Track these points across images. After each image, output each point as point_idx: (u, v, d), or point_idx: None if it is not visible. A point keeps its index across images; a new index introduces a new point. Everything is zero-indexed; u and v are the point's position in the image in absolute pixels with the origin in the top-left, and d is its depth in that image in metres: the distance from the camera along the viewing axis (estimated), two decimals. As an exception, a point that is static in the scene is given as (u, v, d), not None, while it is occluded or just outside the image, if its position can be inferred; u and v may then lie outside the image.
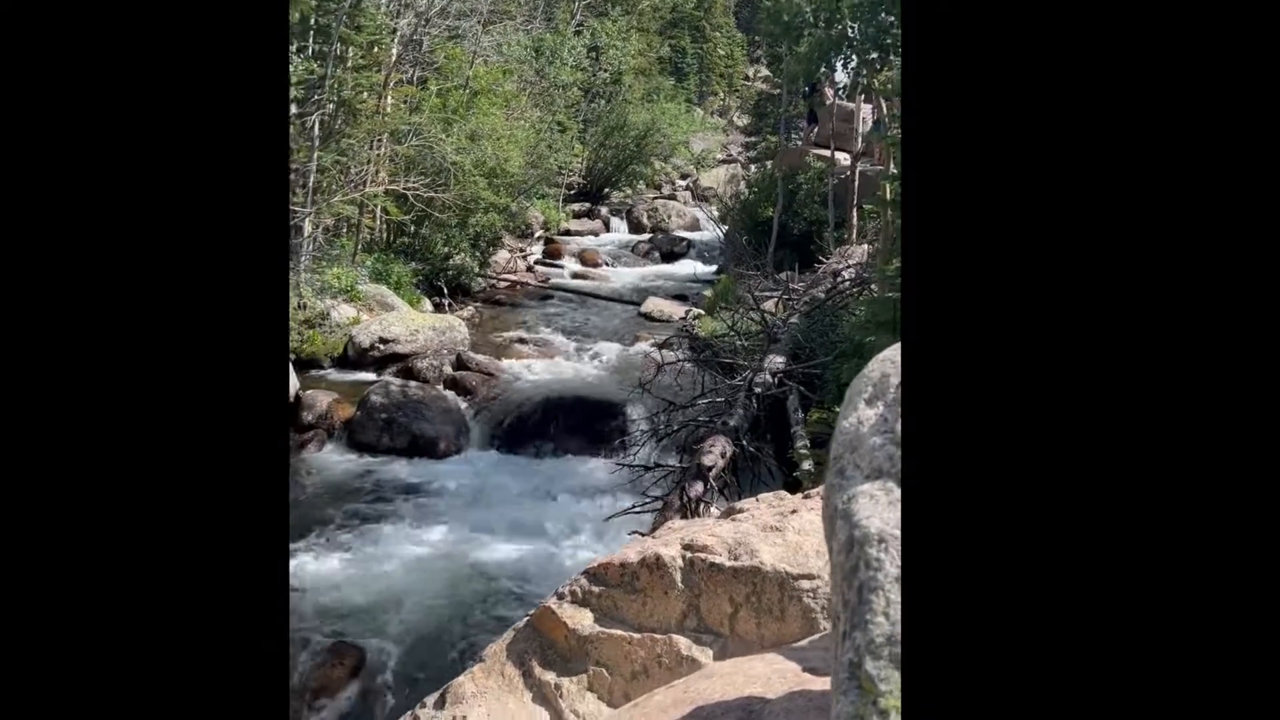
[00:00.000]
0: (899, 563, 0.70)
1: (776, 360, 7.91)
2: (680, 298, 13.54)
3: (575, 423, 8.17)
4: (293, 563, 5.73)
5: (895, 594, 0.69)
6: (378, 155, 11.51)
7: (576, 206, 20.21)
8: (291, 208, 9.64)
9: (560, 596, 2.95)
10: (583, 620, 2.85)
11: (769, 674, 1.37)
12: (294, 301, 9.40)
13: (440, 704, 2.92)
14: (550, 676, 2.84)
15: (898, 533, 0.73)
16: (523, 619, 3.10)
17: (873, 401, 0.85)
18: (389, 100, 11.84)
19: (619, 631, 2.75)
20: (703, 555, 2.66)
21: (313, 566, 5.74)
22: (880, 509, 0.76)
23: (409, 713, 3.06)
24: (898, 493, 0.77)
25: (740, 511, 3.11)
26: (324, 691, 4.51)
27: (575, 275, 15.56)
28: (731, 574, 2.58)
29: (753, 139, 26.49)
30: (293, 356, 9.01)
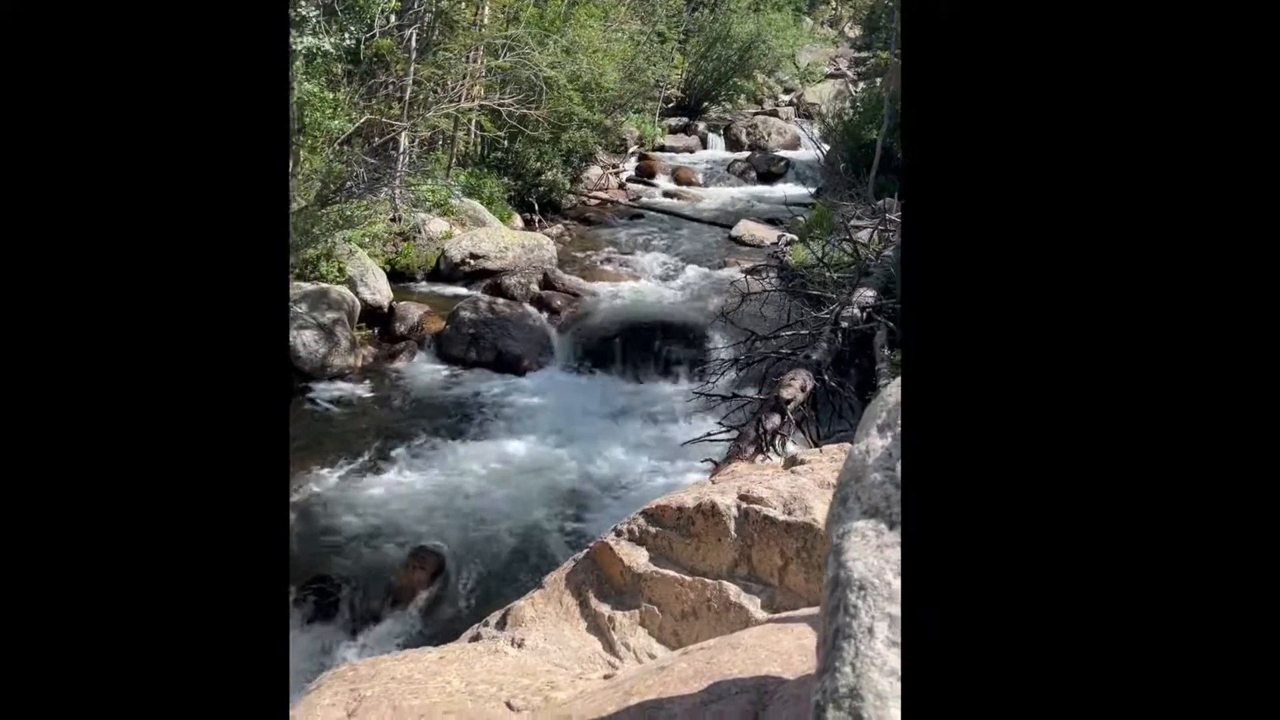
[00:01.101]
0: (874, 614, 0.70)
1: (867, 294, 7.70)
2: (774, 221, 13.22)
3: (656, 347, 8.22)
4: (381, 473, 6.07)
5: (865, 646, 0.68)
6: (473, 69, 11.49)
7: (673, 121, 19.76)
8: (388, 121, 9.79)
9: (618, 534, 3.04)
10: (638, 558, 2.94)
11: (792, 650, 1.40)
12: (389, 214, 9.65)
13: (501, 624, 3.09)
14: (605, 609, 2.96)
15: (879, 580, 0.72)
16: (582, 551, 3.22)
17: (884, 431, 0.83)
18: (486, 12, 11.73)
19: (672, 572, 2.83)
20: (757, 507, 2.68)
21: (399, 473, 6.06)
22: (868, 552, 0.75)
23: (474, 627, 3.26)
24: (889, 535, 0.76)
25: (802, 464, 3.10)
26: (405, 592, 4.83)
27: (667, 194, 15.36)
28: (784, 528, 2.60)
29: (863, 54, 25.13)
30: (387, 269, 9.31)
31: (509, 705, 2.11)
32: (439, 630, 4.36)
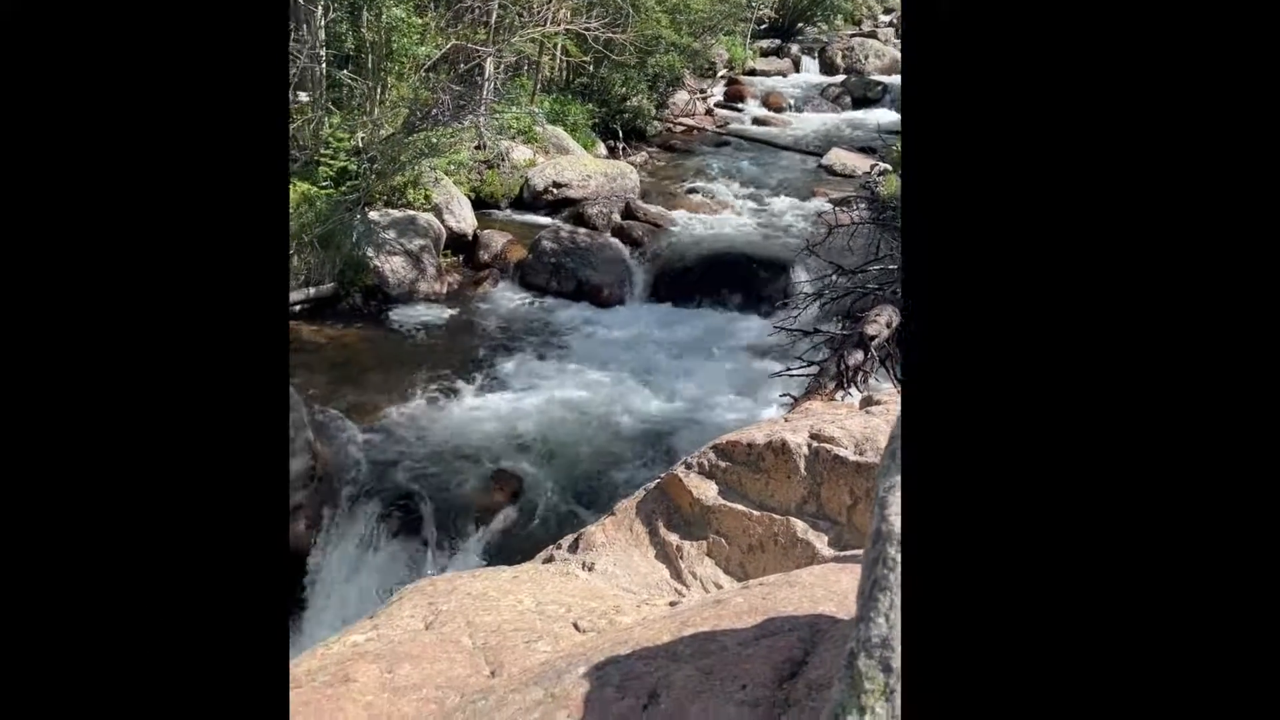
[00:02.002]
0: (915, 568, 0.68)
1: (958, 228, 7.37)
2: (867, 150, 12.71)
3: (738, 280, 8.12)
4: (464, 396, 6.26)
5: (900, 599, 0.67)
6: (559, -10, 11.28)
7: (765, 44, 19.04)
8: (473, 46, 9.75)
9: (688, 466, 3.07)
10: (707, 491, 2.97)
11: (849, 591, 1.39)
12: (474, 142, 9.69)
13: (573, 548, 3.19)
14: (673, 538, 3.01)
15: (924, 536, 0.70)
16: (653, 481, 3.26)
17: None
18: (573, -70, 11.44)
19: (740, 506, 2.85)
20: (828, 446, 2.66)
21: (481, 397, 6.24)
22: (911, 506, 0.73)
23: (547, 549, 3.37)
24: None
25: (877, 404, 3.04)
26: (484, 512, 5.02)
27: (756, 120, 14.91)
28: (854, 468, 2.56)
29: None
30: (471, 196, 9.41)
31: (576, 626, 2.19)
32: (514, 550, 4.53)
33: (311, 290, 7.54)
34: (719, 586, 2.72)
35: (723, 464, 2.96)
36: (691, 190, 10.83)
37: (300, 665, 2.08)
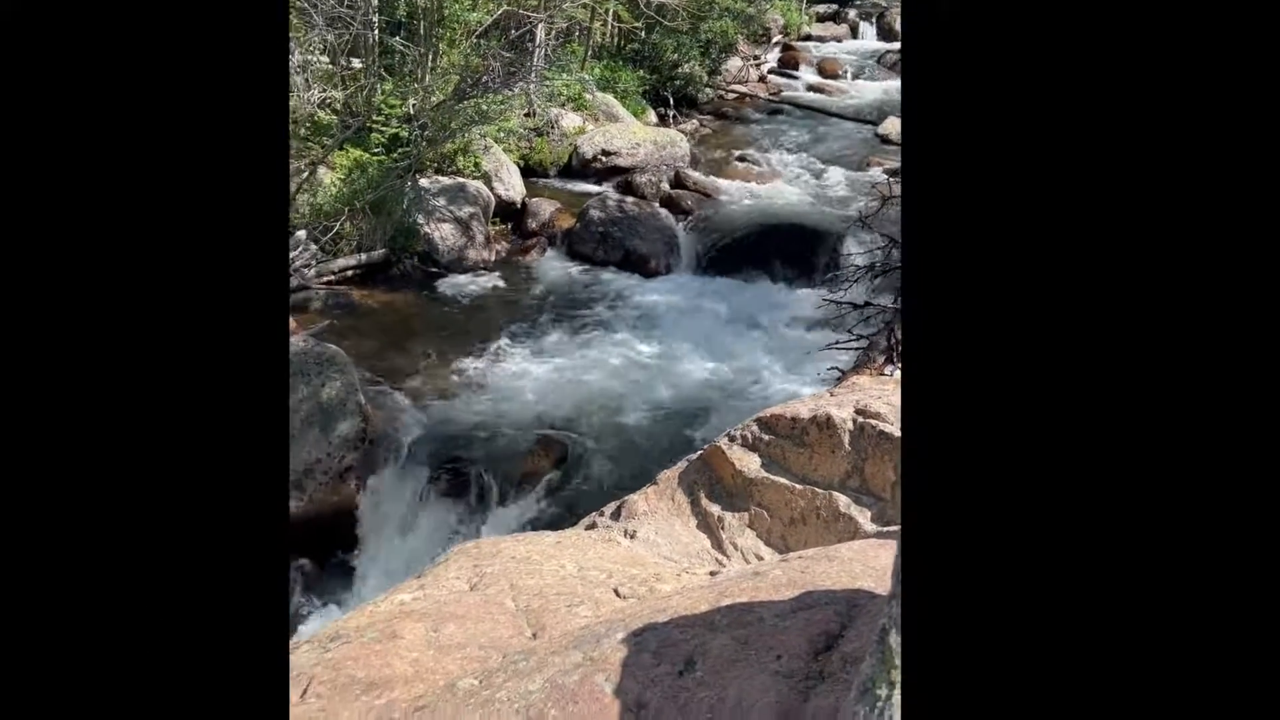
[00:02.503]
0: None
1: (1017, 201, 7.16)
2: (923, 119, 12.37)
3: (788, 251, 8.02)
4: (511, 364, 6.33)
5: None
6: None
7: (821, 9, 18.60)
8: (524, 12, 9.70)
9: (731, 438, 3.07)
10: (750, 464, 2.97)
11: (888, 566, 1.39)
12: (524, 109, 9.69)
13: (616, 515, 3.22)
14: (715, 509, 3.02)
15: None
16: (696, 452, 3.27)
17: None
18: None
19: (783, 480, 2.84)
20: (874, 422, 2.63)
21: (527, 364, 6.31)
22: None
23: (590, 516, 3.42)
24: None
25: (924, 378, 3.00)
26: (528, 478, 5.10)
27: (810, 88, 14.61)
28: (900, 444, 2.54)
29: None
30: (520, 164, 9.43)
31: (616, 592, 2.22)
32: (557, 516, 4.60)
33: (363, 256, 7.67)
34: (759, 558, 2.73)
35: (766, 437, 2.96)
36: (742, 159, 10.69)
37: (350, 621, 2.15)
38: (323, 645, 1.94)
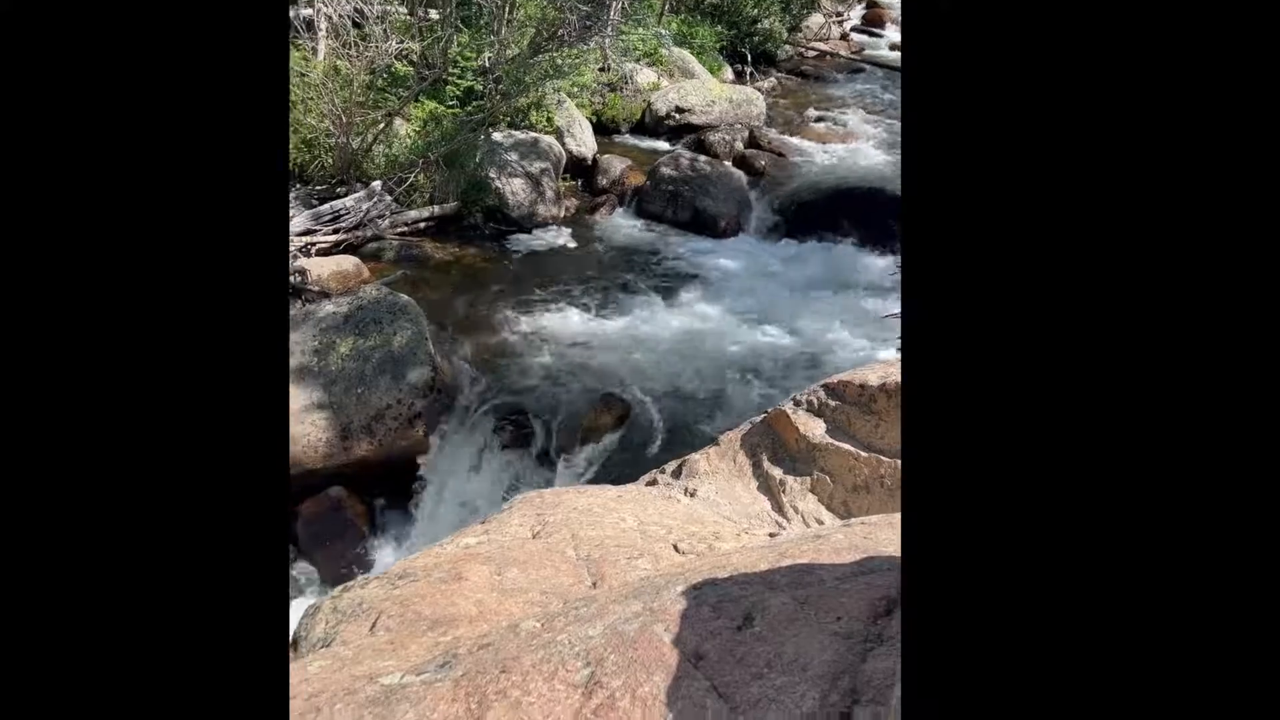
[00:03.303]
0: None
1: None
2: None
3: (863, 216, 7.83)
4: (577, 320, 6.38)
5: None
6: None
7: (908, -37, 17.83)
8: (604, -36, 9.56)
9: (797, 403, 3.04)
10: (815, 429, 2.94)
11: (957, 539, 1.37)
12: (598, 64, 9.61)
13: (677, 473, 3.24)
14: (777, 472, 3.01)
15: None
16: (760, 415, 3.26)
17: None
18: None
19: (847, 446, 2.81)
20: (944, 390, 2.57)
21: (593, 321, 6.34)
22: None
23: (651, 473, 3.45)
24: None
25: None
26: (591, 433, 5.16)
27: (894, 47, 14.11)
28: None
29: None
30: (593, 120, 9.37)
31: (675, 548, 2.24)
32: (618, 472, 4.65)
33: (435, 209, 7.77)
34: (820, 522, 2.72)
35: (832, 403, 2.92)
36: (820, 119, 10.43)
37: (417, 561, 2.22)
38: (391, 582, 2.02)
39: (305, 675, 1.46)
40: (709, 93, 9.96)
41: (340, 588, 2.13)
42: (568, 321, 6.34)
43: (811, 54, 13.22)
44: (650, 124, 9.72)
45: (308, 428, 4.87)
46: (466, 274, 7.09)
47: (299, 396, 4.94)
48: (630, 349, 6.00)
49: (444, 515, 4.93)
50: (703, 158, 8.65)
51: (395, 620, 1.73)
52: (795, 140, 9.52)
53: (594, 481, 4.62)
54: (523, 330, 6.20)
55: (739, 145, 9.25)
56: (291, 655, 1.93)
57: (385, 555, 4.75)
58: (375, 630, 1.71)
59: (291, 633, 2.03)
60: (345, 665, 1.47)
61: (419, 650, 1.51)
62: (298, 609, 4.45)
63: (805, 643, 1.19)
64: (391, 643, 1.59)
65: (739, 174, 8.56)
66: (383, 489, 5.00)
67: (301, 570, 4.69)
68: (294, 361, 5.11)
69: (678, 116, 9.66)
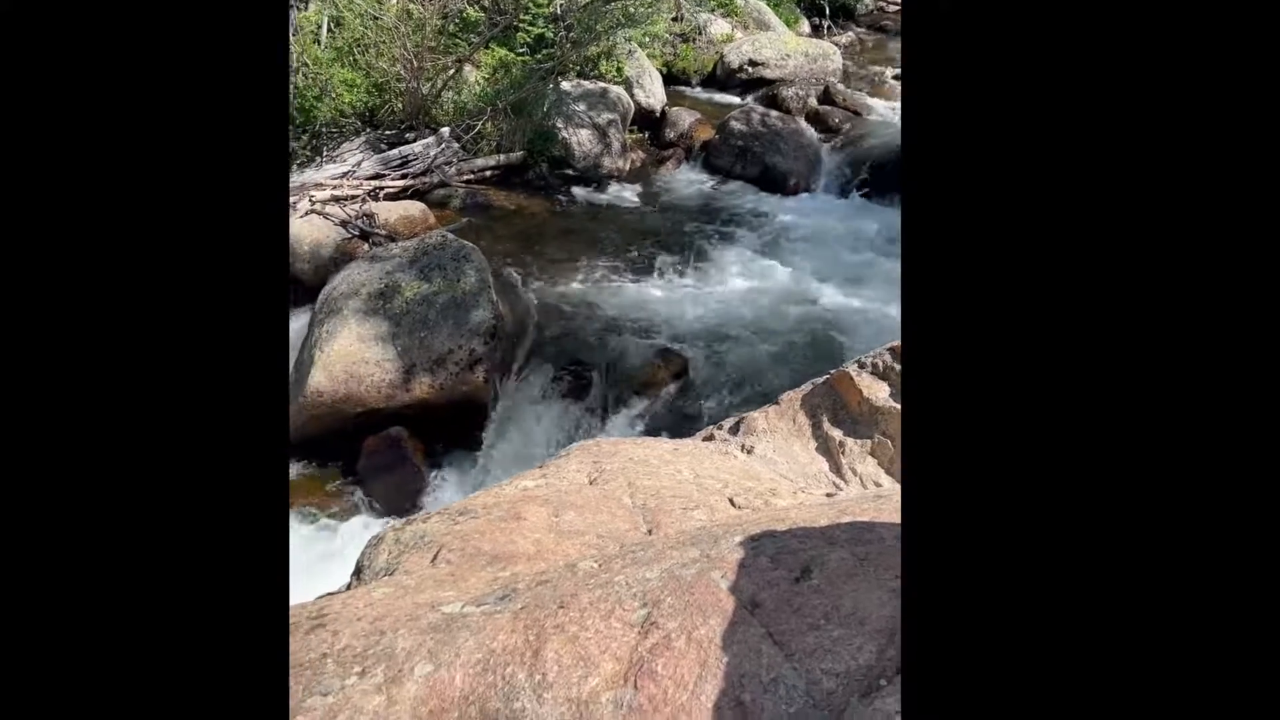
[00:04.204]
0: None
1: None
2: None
3: (935, 178, 7.57)
4: (638, 274, 6.36)
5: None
6: None
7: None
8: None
9: (861, 365, 2.99)
10: (878, 392, 2.89)
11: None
12: (672, 13, 9.42)
13: (734, 430, 3.23)
14: (837, 434, 2.98)
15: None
16: (822, 377, 3.21)
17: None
18: None
19: (910, 410, 2.76)
20: (1017, 358, 2.50)
21: (654, 275, 6.32)
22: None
23: (707, 428, 3.44)
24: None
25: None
26: (647, 387, 5.17)
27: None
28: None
29: None
30: (663, 71, 9.23)
31: (731, 502, 2.24)
32: (673, 427, 4.66)
33: (501, 157, 7.79)
34: (879, 485, 2.68)
35: (898, 366, 2.86)
36: (899, 76, 10.08)
37: (477, 499, 2.27)
38: (452, 518, 2.07)
39: (370, 600, 1.51)
40: (784, 46, 9.69)
41: (403, 521, 2.19)
42: (629, 274, 6.33)
43: (893, 8, 12.73)
44: (722, 77, 9.53)
45: (371, 368, 4.98)
46: (530, 223, 7.11)
47: (364, 336, 5.05)
48: (690, 304, 5.97)
49: (500, 460, 5.02)
50: (774, 113, 8.46)
51: (456, 554, 1.77)
52: (871, 99, 9.23)
53: (649, 435, 4.64)
54: (583, 281, 6.21)
55: (812, 101, 9.01)
56: (354, 582, 2.00)
57: (442, 495, 4.87)
58: (436, 562, 1.76)
59: (355, 561, 2.10)
60: (408, 593, 1.52)
61: (478, 583, 1.55)
62: (355, 540, 4.60)
63: (864, 598, 1.18)
64: (452, 575, 1.63)
65: (811, 131, 8.35)
66: (442, 431, 5.10)
67: (360, 503, 4.84)
68: (359, 303, 5.21)
69: (750, 70, 9.44)
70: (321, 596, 1.75)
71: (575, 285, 6.16)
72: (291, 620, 1.46)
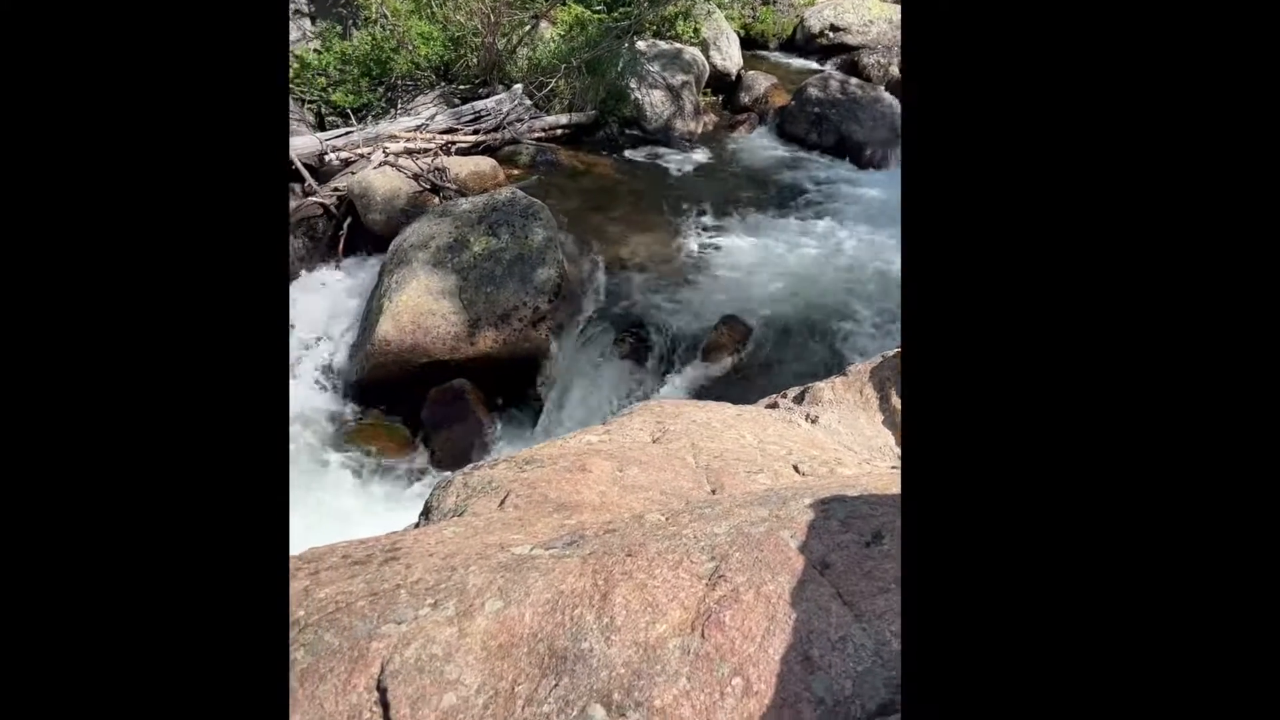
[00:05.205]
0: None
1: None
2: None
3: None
4: (705, 239, 6.30)
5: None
6: None
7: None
8: None
9: (933, 337, 2.93)
10: (949, 366, 2.83)
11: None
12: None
13: (799, 399, 3.20)
14: (903, 407, 2.93)
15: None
16: (893, 350, 3.15)
17: None
18: None
19: (983, 387, 2.69)
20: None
21: (721, 241, 6.26)
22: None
23: (771, 396, 3.42)
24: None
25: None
26: (710, 353, 5.15)
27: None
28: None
29: None
30: (741, 34, 9.05)
31: (796, 468, 2.23)
32: (733, 394, 4.63)
33: (573, 115, 7.77)
34: (945, 463, 2.63)
35: (973, 341, 2.79)
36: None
37: (543, 450, 2.30)
38: (519, 466, 2.10)
39: (441, 537, 1.55)
40: (867, 12, 9.41)
41: (470, 466, 2.23)
42: (696, 239, 6.29)
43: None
44: (801, 41, 9.32)
45: (438, 320, 5.07)
46: (598, 183, 7.09)
47: (431, 289, 5.13)
48: (757, 272, 5.90)
49: (558, 418, 5.08)
50: (854, 80, 8.24)
51: (523, 500, 1.80)
52: (954, 68, 8.91)
53: (709, 400, 4.63)
54: (650, 244, 6.19)
55: (894, 70, 8.75)
56: (422, 522, 2.05)
57: (500, 448, 4.96)
58: (504, 507, 1.79)
59: (422, 503, 2.16)
60: (477, 533, 1.55)
61: (545, 529, 1.57)
62: (414, 485, 4.71)
63: (939, 567, 1.16)
64: (519, 519, 1.66)
65: (891, 100, 8.11)
66: (503, 386, 5.18)
67: (421, 450, 4.96)
68: (428, 255, 5.29)
69: (831, 35, 9.20)
70: (393, 533, 1.80)
71: (641, 247, 6.14)
72: (366, 552, 1.50)
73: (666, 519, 1.46)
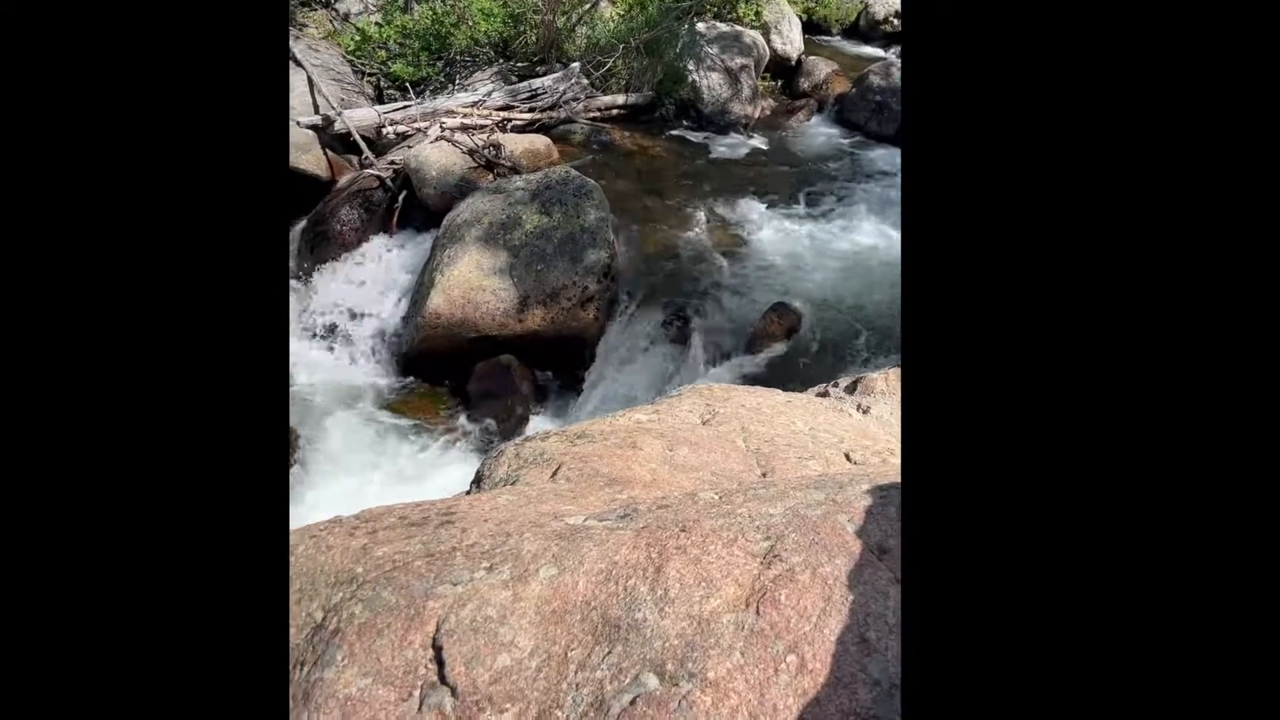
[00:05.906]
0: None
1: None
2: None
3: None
4: (758, 224, 6.25)
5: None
6: None
7: None
8: None
9: (992, 331, 2.87)
10: (1008, 361, 2.77)
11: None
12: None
13: (851, 389, 3.17)
14: (957, 401, 2.88)
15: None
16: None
17: None
18: None
19: (1042, 385, 2.63)
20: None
21: (774, 227, 6.20)
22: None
23: (822, 385, 3.39)
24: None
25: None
26: (758, 340, 5.12)
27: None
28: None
29: None
30: (803, 18, 8.92)
31: (847, 456, 2.21)
32: (781, 382, 4.60)
33: (629, 96, 7.74)
34: (999, 459, 2.59)
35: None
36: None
37: (593, 425, 2.31)
38: (570, 439, 2.11)
39: (495, 504, 1.57)
40: (932, -2, 9.21)
41: (521, 437, 2.25)
42: (748, 224, 6.24)
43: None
44: (864, 28, 9.15)
45: (488, 296, 5.11)
46: (652, 164, 7.07)
47: (482, 265, 5.18)
48: (809, 260, 5.84)
49: (602, 397, 5.10)
50: (915, 69, 8.07)
51: (575, 472, 1.81)
52: (1021, 59, 8.68)
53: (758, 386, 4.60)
54: (702, 227, 6.16)
55: (957, 59, 8.56)
56: (474, 490, 2.08)
57: (544, 425, 5.00)
58: (556, 478, 1.80)
59: (475, 471, 2.19)
60: (531, 502, 1.57)
61: (597, 501, 1.58)
62: (459, 455, 4.76)
63: (1001, 559, 1.14)
64: (572, 491, 1.67)
65: (952, 90, 7.93)
66: (550, 364, 5.21)
67: (466, 422, 5.02)
68: (480, 231, 5.33)
69: (896, 22, 9.01)
70: (446, 498, 1.83)
71: (693, 230, 6.11)
72: (422, 515, 1.53)
73: (720, 498, 1.46)
